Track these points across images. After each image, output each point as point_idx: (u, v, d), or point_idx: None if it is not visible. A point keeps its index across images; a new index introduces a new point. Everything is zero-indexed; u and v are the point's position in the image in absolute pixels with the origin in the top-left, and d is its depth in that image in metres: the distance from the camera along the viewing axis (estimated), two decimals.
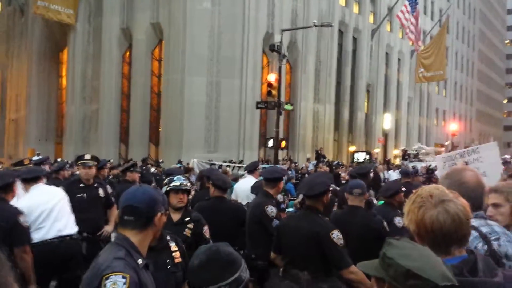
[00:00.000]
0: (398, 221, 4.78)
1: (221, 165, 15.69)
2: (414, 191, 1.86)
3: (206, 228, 4.10)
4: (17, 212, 4.12)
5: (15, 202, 4.39)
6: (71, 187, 5.72)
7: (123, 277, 2.02)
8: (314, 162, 21.52)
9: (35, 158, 11.40)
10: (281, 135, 20.96)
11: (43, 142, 29.64)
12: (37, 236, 4.56)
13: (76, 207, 5.38)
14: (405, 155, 26.35)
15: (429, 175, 13.56)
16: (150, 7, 25.20)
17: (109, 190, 6.15)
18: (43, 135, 30.43)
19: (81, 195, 5.69)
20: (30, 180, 4.94)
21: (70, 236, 4.81)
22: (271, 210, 4.57)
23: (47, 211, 4.71)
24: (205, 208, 4.79)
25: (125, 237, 2.22)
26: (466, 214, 1.72)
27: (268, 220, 4.55)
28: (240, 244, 4.74)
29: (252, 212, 4.74)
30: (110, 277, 2.01)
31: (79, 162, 5.89)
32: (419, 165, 17.99)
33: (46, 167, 8.80)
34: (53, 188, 5.14)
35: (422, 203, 1.73)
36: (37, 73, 30.53)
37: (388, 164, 22.01)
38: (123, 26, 26.46)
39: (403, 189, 5.32)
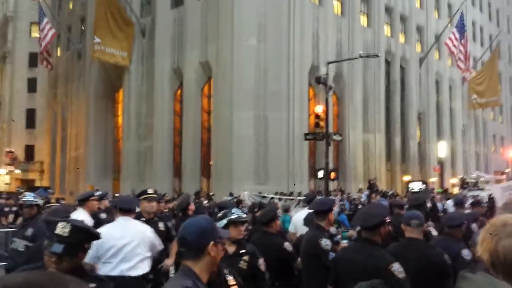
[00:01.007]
0: (467, 254, 4.51)
1: (272, 197, 15.76)
2: (488, 221, 1.82)
3: (261, 261, 4.07)
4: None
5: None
6: None
7: None
8: (367, 192, 21.12)
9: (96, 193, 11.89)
10: (330, 166, 20.82)
11: (101, 178, 30.83)
12: (103, 270, 4.58)
13: None
14: (463, 184, 25.35)
15: (491, 204, 13.02)
16: (199, 47, 26.19)
17: (169, 224, 6.31)
18: (101, 171, 31.73)
19: None
20: (124, 210, 5.00)
21: (135, 277, 4.73)
22: (326, 243, 4.50)
23: (117, 247, 4.69)
24: (254, 243, 4.75)
25: (188, 267, 2.31)
26: None
27: (324, 253, 4.47)
28: (280, 280, 4.74)
29: (306, 246, 4.68)
30: None
31: (143, 196, 5.93)
32: (481, 194, 17.25)
33: (106, 202, 9.21)
34: (136, 226, 5.06)
35: (496, 232, 1.69)
36: (95, 112, 32.10)
37: (446, 194, 21.25)
38: (174, 66, 27.59)
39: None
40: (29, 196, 5.88)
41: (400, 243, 4.60)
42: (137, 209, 6.22)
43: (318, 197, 8.07)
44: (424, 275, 3.99)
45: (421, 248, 4.27)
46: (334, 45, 27.72)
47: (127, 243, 4.76)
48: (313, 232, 4.73)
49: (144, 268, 4.89)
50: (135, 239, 4.86)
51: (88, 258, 4.65)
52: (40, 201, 6.11)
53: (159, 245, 5.30)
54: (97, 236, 2.89)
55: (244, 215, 4.10)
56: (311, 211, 5.55)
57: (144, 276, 4.94)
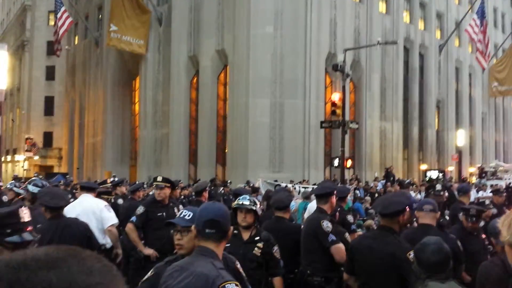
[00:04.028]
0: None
1: (286, 185, 15.76)
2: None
3: (276, 248, 4.14)
4: None
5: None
6: (152, 205, 5.95)
7: (236, 285, 2.26)
8: (383, 181, 20.99)
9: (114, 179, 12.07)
10: (346, 154, 20.71)
11: (118, 165, 31.26)
12: None
13: (156, 225, 5.68)
14: (482, 173, 25.00)
15: (510, 194, 12.83)
16: (215, 35, 26.14)
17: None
18: (118, 158, 32.13)
19: (161, 213, 5.82)
20: (84, 188, 5.89)
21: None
22: (327, 225, 4.51)
23: None
24: (266, 228, 4.83)
25: (210, 249, 2.42)
26: None
27: (324, 234, 4.49)
28: (293, 264, 4.77)
29: (307, 226, 4.75)
30: (226, 285, 2.23)
31: (154, 183, 6.18)
32: (499, 183, 17.00)
33: (123, 189, 9.34)
34: (90, 201, 5.77)
35: None
36: (112, 100, 32.42)
37: (463, 183, 20.97)
38: (190, 54, 27.60)
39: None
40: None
41: (413, 228, 4.62)
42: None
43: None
44: None
45: (435, 234, 4.25)
46: (351, 32, 27.36)
47: (76, 214, 5.27)
48: (315, 214, 4.82)
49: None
50: (86, 213, 5.50)
51: None
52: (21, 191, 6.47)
53: (111, 219, 5.84)
54: None
55: (252, 203, 4.10)
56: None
57: (100, 246, 5.47)
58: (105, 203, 6.03)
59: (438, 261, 2.94)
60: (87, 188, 6.25)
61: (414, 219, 5.13)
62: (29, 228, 2.55)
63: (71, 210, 5.52)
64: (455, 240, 4.33)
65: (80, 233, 4.55)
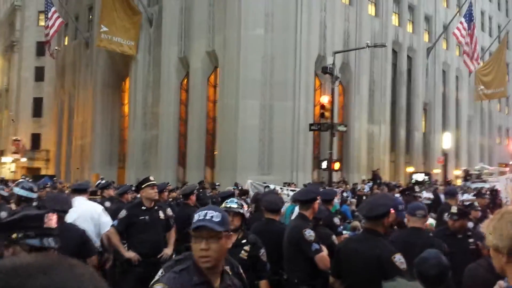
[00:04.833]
0: None
1: (274, 187, 15.84)
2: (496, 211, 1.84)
3: (263, 251, 4.14)
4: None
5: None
6: (134, 209, 5.87)
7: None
8: (370, 183, 21.18)
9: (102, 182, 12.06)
10: (335, 157, 20.87)
11: (107, 167, 31.09)
12: None
13: (139, 229, 5.72)
14: (467, 176, 25.30)
15: (494, 197, 13.03)
16: (205, 36, 26.18)
17: (170, 213, 6.41)
18: (106, 160, 31.96)
19: (144, 217, 5.78)
20: (77, 191, 5.79)
21: None
22: (309, 233, 4.44)
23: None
24: (256, 230, 4.85)
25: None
26: None
27: (307, 244, 4.42)
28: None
29: (289, 236, 4.65)
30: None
31: (146, 184, 5.96)
32: (484, 186, 17.24)
33: (111, 191, 9.35)
34: (86, 204, 5.71)
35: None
36: (101, 101, 32.27)
37: (448, 185, 21.25)
38: (181, 55, 27.61)
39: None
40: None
41: (405, 231, 4.69)
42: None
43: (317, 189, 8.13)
44: None
45: (425, 237, 4.43)
46: (341, 34, 27.57)
47: (73, 219, 5.23)
48: (297, 222, 4.73)
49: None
50: (84, 217, 5.46)
51: None
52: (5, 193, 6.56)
53: (109, 224, 5.79)
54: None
55: (239, 206, 4.13)
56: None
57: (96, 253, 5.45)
58: (101, 206, 6.01)
59: (437, 275, 3.05)
60: (79, 191, 6.17)
61: (405, 219, 5.23)
62: (53, 235, 2.49)
63: (68, 215, 5.60)
64: (441, 242, 4.46)
65: (77, 238, 4.59)
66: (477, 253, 4.62)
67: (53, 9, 30.52)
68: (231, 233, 2.40)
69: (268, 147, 24.18)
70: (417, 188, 8.25)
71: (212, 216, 2.28)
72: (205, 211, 2.33)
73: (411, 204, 4.97)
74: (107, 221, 5.84)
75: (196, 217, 2.33)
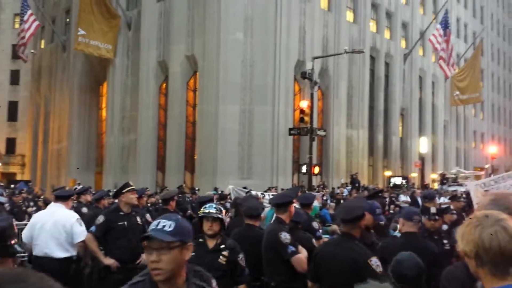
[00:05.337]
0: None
1: (256, 192, 15.81)
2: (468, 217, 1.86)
3: (241, 256, 4.14)
4: None
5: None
6: (112, 215, 5.81)
7: None
8: (349, 187, 21.38)
9: (78, 187, 11.87)
10: (314, 161, 21.00)
11: (83, 172, 30.62)
12: (35, 250, 5.49)
13: (118, 235, 5.64)
14: (443, 179, 25.78)
15: (469, 200, 13.26)
16: (185, 40, 26.07)
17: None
18: (83, 165, 31.43)
19: (122, 223, 5.74)
20: (58, 198, 5.86)
21: (56, 258, 5.44)
22: (285, 236, 4.48)
23: (40, 230, 5.52)
24: (236, 236, 4.85)
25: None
26: None
27: (283, 246, 4.46)
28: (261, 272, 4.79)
29: (266, 240, 4.68)
30: None
31: (127, 189, 5.88)
32: (459, 189, 17.60)
33: (87, 197, 9.21)
34: (63, 213, 5.70)
35: (479, 223, 1.72)
36: (78, 105, 31.77)
37: (425, 189, 21.58)
38: (160, 59, 27.43)
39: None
40: None
41: (402, 236, 4.72)
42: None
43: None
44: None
45: (421, 241, 4.52)
46: (320, 40, 27.82)
47: (48, 228, 5.42)
48: (274, 226, 4.76)
49: (64, 251, 5.50)
50: (56, 225, 5.51)
51: (24, 238, 5.65)
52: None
53: (81, 235, 5.69)
54: None
55: (218, 211, 4.11)
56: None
57: (67, 259, 5.53)
58: (77, 216, 5.90)
59: (414, 276, 3.11)
60: (62, 198, 6.01)
61: (382, 222, 5.28)
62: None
63: (43, 220, 5.63)
64: (434, 246, 4.59)
65: None
66: (451, 254, 4.71)
67: (29, 12, 29.97)
68: (190, 243, 2.20)
69: (248, 151, 24.18)
70: (385, 194, 8.37)
71: (164, 226, 2.15)
72: (158, 220, 2.22)
73: (406, 209, 5.03)
74: (80, 231, 5.71)
75: (150, 226, 2.23)
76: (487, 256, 1.68)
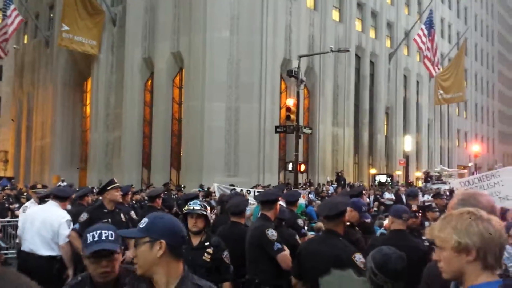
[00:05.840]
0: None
1: (241, 189, 15.82)
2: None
3: (226, 253, 4.12)
4: None
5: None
6: (96, 212, 5.76)
7: None
8: (335, 185, 21.51)
9: (62, 184, 11.75)
10: (300, 159, 21.07)
11: (67, 169, 30.27)
12: (23, 245, 5.59)
13: None
14: (427, 177, 26.09)
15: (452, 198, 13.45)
16: (170, 37, 25.92)
17: (134, 215, 6.28)
18: (67, 162, 31.09)
19: (107, 220, 5.60)
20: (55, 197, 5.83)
21: (39, 256, 5.43)
22: (272, 233, 4.45)
23: (28, 226, 5.58)
24: (221, 234, 4.84)
25: None
26: (504, 233, 1.74)
27: (270, 243, 4.42)
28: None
29: (251, 236, 4.63)
30: None
31: (112, 186, 5.87)
32: (443, 187, 17.83)
33: (89, 199, 9.08)
34: (52, 211, 5.68)
35: (476, 217, 1.73)
36: (62, 102, 31.38)
37: (410, 187, 21.82)
38: (145, 56, 27.23)
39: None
40: None
41: (391, 233, 4.75)
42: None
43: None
44: (409, 262, 4.17)
45: (410, 239, 4.54)
46: (306, 39, 27.90)
47: (37, 225, 5.44)
48: (260, 222, 4.72)
49: (48, 250, 5.48)
50: (44, 223, 5.51)
51: (19, 231, 5.82)
52: None
53: (63, 235, 5.62)
54: None
55: (203, 208, 4.10)
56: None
57: (51, 258, 5.50)
58: (68, 217, 5.79)
59: (403, 268, 3.13)
60: (60, 198, 5.88)
61: (367, 220, 5.32)
62: None
63: (34, 216, 5.66)
64: (422, 243, 4.63)
65: None
66: (431, 251, 4.79)
67: (12, 7, 29.44)
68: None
69: (234, 149, 24.16)
70: (365, 193, 8.46)
71: (107, 236, 2.39)
72: (100, 231, 2.46)
73: (395, 206, 5.05)
74: (66, 234, 5.62)
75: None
76: (491, 249, 1.68)
